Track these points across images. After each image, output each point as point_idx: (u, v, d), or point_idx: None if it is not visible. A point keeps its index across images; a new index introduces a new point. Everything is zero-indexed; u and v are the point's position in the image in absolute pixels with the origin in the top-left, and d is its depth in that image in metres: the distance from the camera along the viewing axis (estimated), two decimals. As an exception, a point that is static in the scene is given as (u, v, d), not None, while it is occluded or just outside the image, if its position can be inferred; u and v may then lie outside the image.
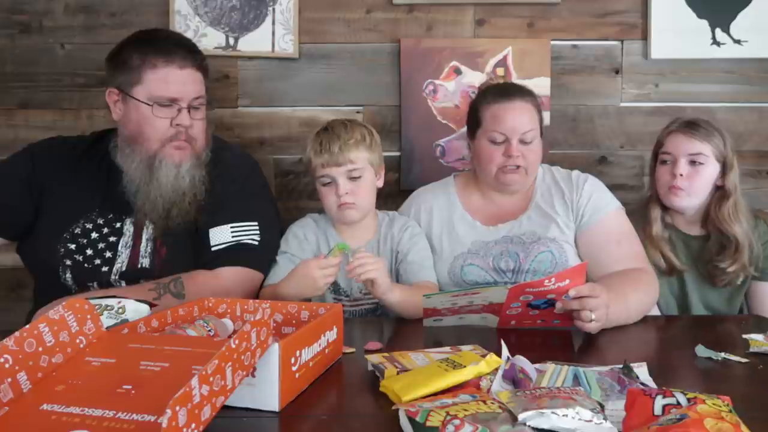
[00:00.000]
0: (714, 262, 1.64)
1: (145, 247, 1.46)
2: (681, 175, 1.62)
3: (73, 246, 1.44)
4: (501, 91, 1.59)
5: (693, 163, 1.62)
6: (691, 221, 1.71)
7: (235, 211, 1.48)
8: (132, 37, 1.48)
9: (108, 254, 1.45)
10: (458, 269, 1.53)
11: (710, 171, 1.63)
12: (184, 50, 1.44)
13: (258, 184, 1.60)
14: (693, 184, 1.63)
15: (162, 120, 1.41)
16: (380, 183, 1.55)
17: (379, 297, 1.33)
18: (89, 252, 1.44)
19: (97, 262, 1.44)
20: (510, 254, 1.52)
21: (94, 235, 1.45)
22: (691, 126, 1.64)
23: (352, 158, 1.45)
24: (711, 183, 1.65)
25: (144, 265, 1.45)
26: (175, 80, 1.41)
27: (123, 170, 1.46)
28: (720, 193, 1.66)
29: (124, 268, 1.44)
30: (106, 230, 1.46)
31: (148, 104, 1.40)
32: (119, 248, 1.45)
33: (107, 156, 1.50)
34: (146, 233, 1.47)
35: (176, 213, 1.44)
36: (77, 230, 1.45)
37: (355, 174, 1.46)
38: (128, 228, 1.47)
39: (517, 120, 1.52)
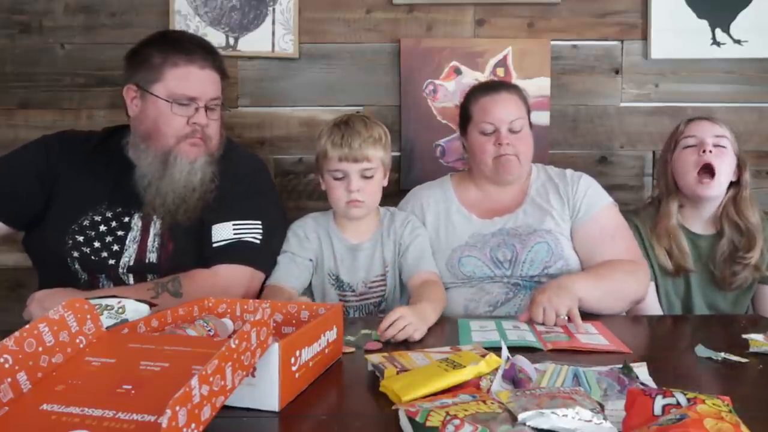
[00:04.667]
0: (735, 258, 1.63)
1: (152, 241, 1.46)
2: (710, 151, 1.60)
3: (81, 238, 1.44)
4: (487, 86, 1.66)
5: (717, 146, 1.63)
6: (704, 220, 1.69)
7: (238, 209, 1.48)
8: (153, 37, 1.49)
9: (115, 247, 1.45)
10: (456, 261, 1.54)
11: (732, 157, 1.64)
12: (205, 51, 1.45)
13: (264, 183, 1.60)
14: (722, 162, 1.61)
15: (179, 118, 1.42)
16: (385, 182, 1.55)
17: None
18: (96, 244, 1.44)
19: (104, 254, 1.44)
20: (507, 246, 1.54)
21: (102, 227, 1.45)
22: (707, 115, 1.68)
23: (369, 156, 1.45)
24: (733, 169, 1.65)
25: (151, 260, 1.45)
26: (195, 79, 1.42)
27: (135, 165, 1.46)
28: (736, 188, 1.67)
29: (131, 263, 1.44)
30: (114, 224, 1.46)
31: (168, 101, 1.40)
32: (127, 242, 1.45)
33: (119, 151, 1.50)
34: (154, 228, 1.47)
35: (184, 209, 1.45)
36: (86, 222, 1.45)
37: (369, 173, 1.47)
38: (136, 222, 1.47)
39: (504, 110, 1.57)
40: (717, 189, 1.63)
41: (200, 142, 1.45)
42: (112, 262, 1.44)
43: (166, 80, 1.41)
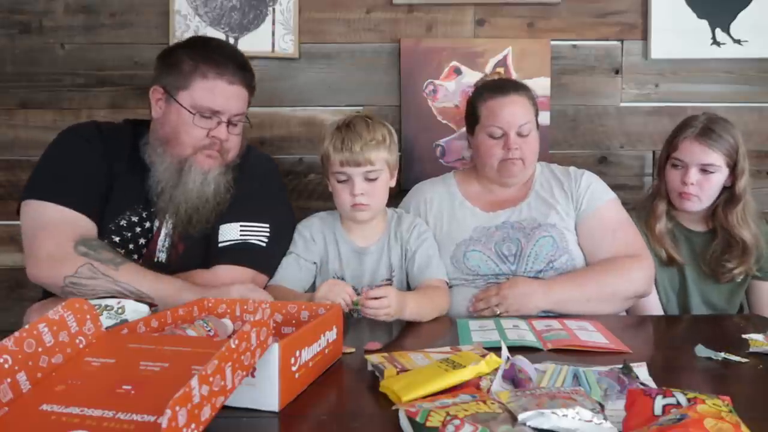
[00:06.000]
0: (721, 261, 1.65)
1: (163, 241, 1.45)
2: (692, 183, 1.63)
3: (117, 238, 1.41)
4: (496, 86, 1.63)
5: (704, 171, 1.64)
6: (696, 218, 1.72)
7: (247, 211, 1.47)
8: (187, 41, 1.48)
9: (145, 251, 1.43)
10: (461, 255, 1.55)
11: (720, 178, 1.65)
12: (237, 66, 1.43)
13: (276, 187, 1.59)
14: (703, 190, 1.64)
15: (200, 129, 1.40)
16: (393, 183, 1.53)
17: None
18: (131, 246, 1.42)
19: (135, 257, 1.42)
20: (512, 240, 1.55)
21: (137, 229, 1.43)
22: (705, 134, 1.63)
23: (372, 159, 1.43)
24: (720, 187, 1.67)
25: (161, 260, 1.44)
26: (222, 94, 1.40)
27: (150, 168, 1.44)
28: (728, 195, 1.67)
29: (140, 262, 1.41)
30: (147, 225, 1.44)
31: (191, 112, 1.39)
32: (149, 245, 1.44)
33: (137, 151, 1.48)
34: (165, 228, 1.46)
35: (197, 219, 1.44)
36: (123, 222, 1.43)
37: (372, 176, 1.45)
38: (155, 225, 1.46)
39: (513, 114, 1.56)
40: (698, 206, 1.67)
41: (217, 154, 1.43)
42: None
43: (193, 90, 1.39)
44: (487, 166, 1.60)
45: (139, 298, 1.17)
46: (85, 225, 1.36)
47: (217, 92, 1.40)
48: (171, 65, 1.42)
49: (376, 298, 1.25)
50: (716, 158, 1.62)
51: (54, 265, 1.30)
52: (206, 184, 1.42)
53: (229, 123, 1.43)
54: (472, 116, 1.64)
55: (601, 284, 1.47)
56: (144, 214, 1.45)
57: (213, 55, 1.41)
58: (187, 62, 1.40)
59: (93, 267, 1.28)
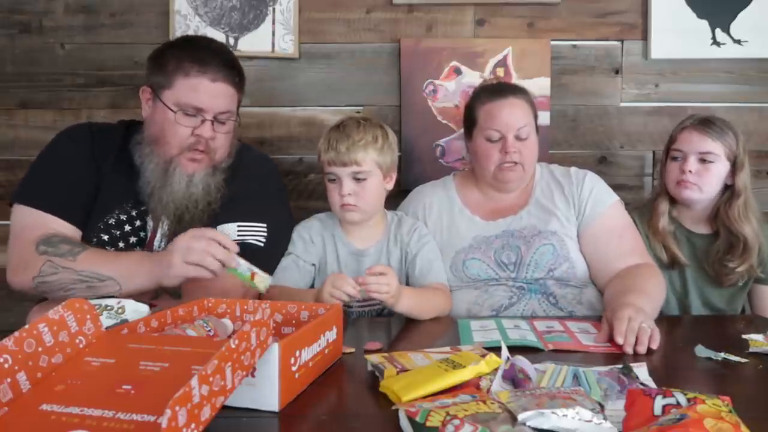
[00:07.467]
0: (723, 261, 1.64)
1: (159, 241, 1.45)
2: (690, 171, 1.62)
3: (105, 237, 1.41)
4: (494, 89, 1.62)
5: (703, 160, 1.63)
6: (698, 219, 1.71)
7: (244, 211, 1.47)
8: (175, 40, 1.48)
9: (138, 250, 1.43)
10: (460, 263, 1.54)
11: (719, 169, 1.64)
12: (221, 63, 1.42)
13: (274, 187, 1.58)
14: (702, 181, 1.63)
15: (184, 128, 1.40)
16: (390, 186, 1.53)
17: (389, 307, 1.33)
18: (121, 245, 1.42)
19: None
20: (511, 248, 1.54)
21: (127, 227, 1.43)
22: (704, 124, 1.64)
23: (359, 160, 1.44)
24: (720, 181, 1.65)
25: None
26: (204, 91, 1.39)
27: (139, 168, 1.44)
28: (730, 192, 1.66)
29: None
30: (138, 223, 1.44)
31: (173, 110, 1.39)
32: (147, 243, 1.44)
33: (125, 151, 1.48)
34: (161, 228, 1.46)
35: (188, 219, 1.43)
36: (111, 221, 1.43)
37: (361, 176, 1.45)
38: (149, 222, 1.46)
39: (511, 116, 1.54)
40: (697, 195, 1.65)
41: (201, 155, 1.42)
42: None
43: (176, 89, 1.39)
44: (485, 171, 1.58)
45: (138, 298, 1.17)
46: (57, 227, 1.37)
47: (200, 90, 1.39)
48: (159, 65, 1.42)
49: (377, 275, 1.27)
50: (715, 147, 1.62)
51: (21, 270, 1.33)
52: (192, 185, 1.42)
53: (216, 121, 1.42)
54: (469, 120, 1.62)
55: (658, 293, 1.42)
56: (134, 213, 1.45)
57: (196, 52, 1.41)
58: (171, 62, 1.41)
59: (52, 263, 1.29)
